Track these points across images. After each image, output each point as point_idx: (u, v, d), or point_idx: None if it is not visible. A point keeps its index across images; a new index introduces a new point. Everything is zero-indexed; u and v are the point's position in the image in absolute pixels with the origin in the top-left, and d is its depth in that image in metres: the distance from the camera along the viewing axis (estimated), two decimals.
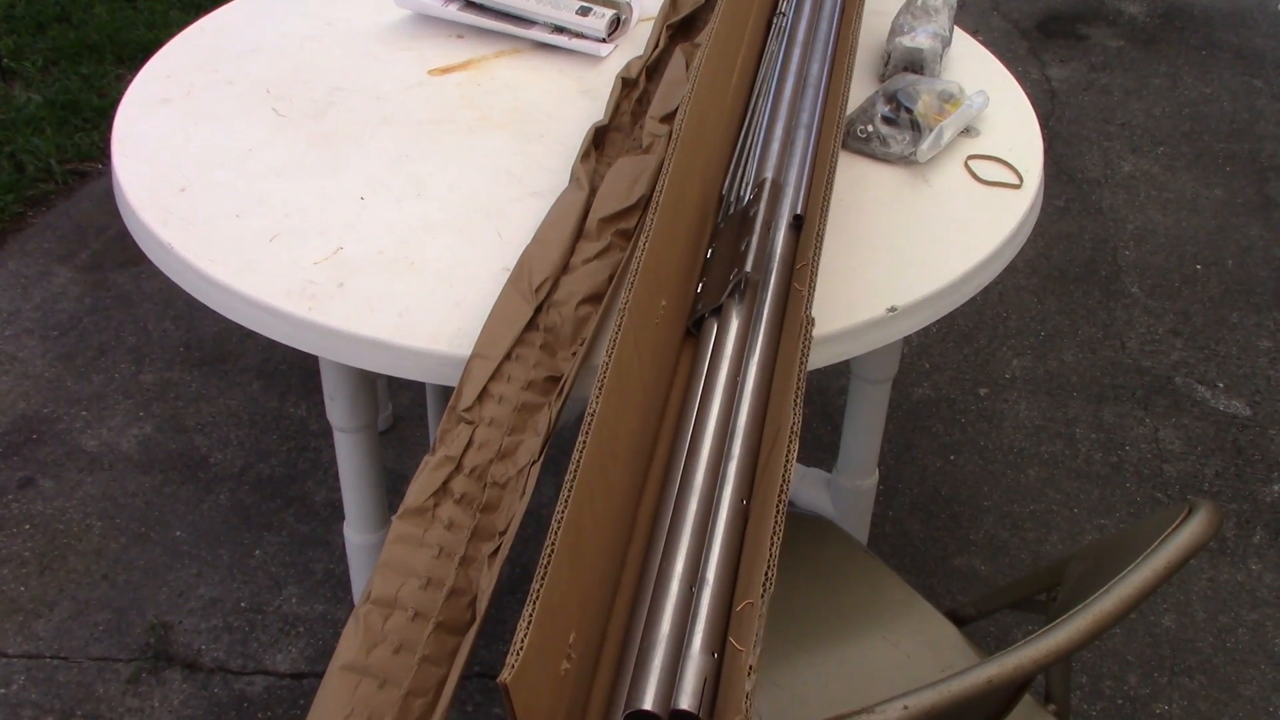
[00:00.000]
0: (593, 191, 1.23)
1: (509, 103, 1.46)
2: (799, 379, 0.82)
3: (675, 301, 1.00)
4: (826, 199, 1.09)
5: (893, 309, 1.17)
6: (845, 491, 1.55)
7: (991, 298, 2.42)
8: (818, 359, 1.15)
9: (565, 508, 0.70)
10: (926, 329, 2.33)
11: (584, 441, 0.76)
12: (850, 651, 1.23)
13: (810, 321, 0.90)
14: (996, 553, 1.89)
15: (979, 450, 2.07)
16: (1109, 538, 1.07)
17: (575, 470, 0.73)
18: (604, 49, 1.55)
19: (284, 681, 1.69)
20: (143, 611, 1.77)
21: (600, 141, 1.33)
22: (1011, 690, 0.95)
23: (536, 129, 1.41)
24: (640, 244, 0.94)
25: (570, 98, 1.47)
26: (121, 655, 1.71)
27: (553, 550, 0.67)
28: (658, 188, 1.01)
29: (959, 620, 1.26)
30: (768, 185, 1.18)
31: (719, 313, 1.09)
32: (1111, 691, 1.69)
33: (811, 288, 0.94)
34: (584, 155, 1.28)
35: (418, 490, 0.93)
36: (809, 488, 1.63)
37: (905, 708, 0.77)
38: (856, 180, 1.34)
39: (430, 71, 1.52)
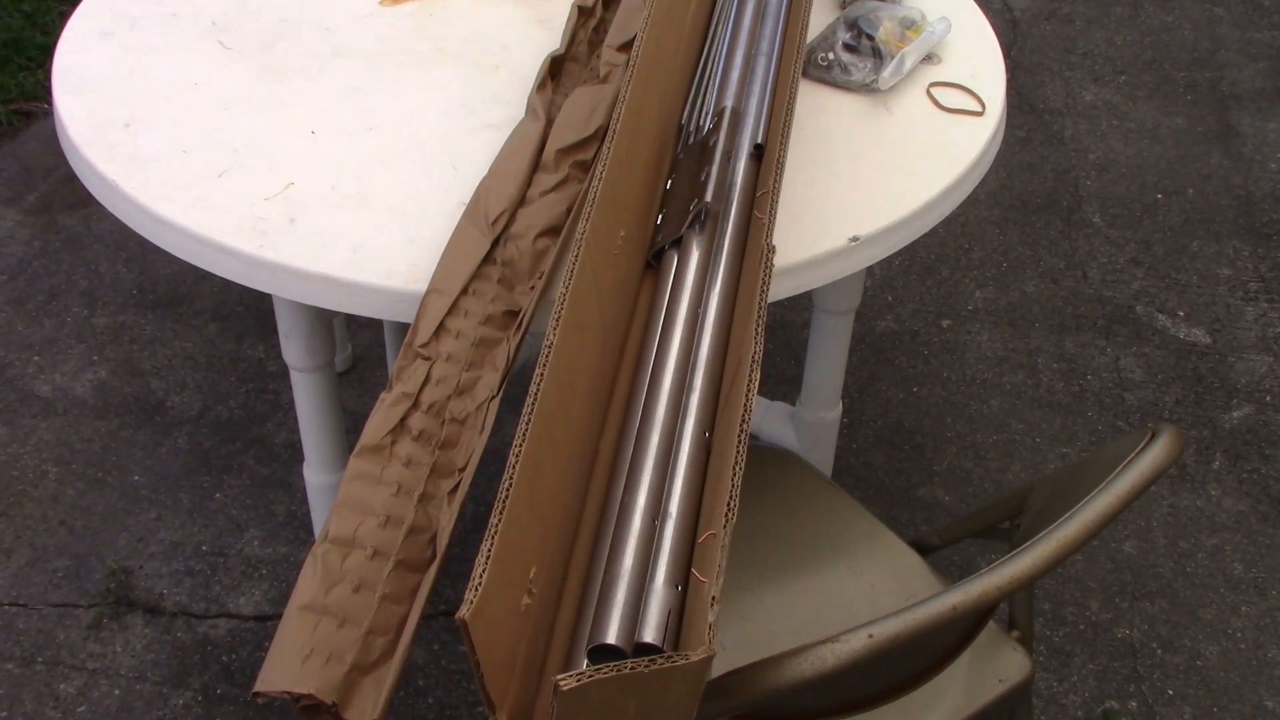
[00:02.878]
0: (549, 123, 1.20)
1: (463, 33, 1.42)
2: (760, 308, 0.80)
3: (634, 233, 0.99)
4: (787, 126, 1.08)
5: (855, 239, 1.16)
6: (808, 424, 1.55)
7: (954, 229, 2.41)
8: (779, 290, 1.14)
9: (523, 441, 0.69)
10: (889, 261, 2.32)
11: (541, 374, 0.74)
12: (814, 582, 1.23)
13: (771, 250, 0.89)
14: (960, 483, 1.89)
15: (942, 382, 2.07)
16: (1072, 465, 1.07)
17: (533, 403, 0.72)
18: None
19: (248, 624, 1.68)
20: (102, 557, 1.75)
21: (557, 72, 1.30)
22: (976, 618, 0.95)
23: (491, 60, 1.38)
24: (597, 173, 0.92)
25: (526, 27, 1.44)
26: (82, 601, 1.69)
27: (510, 484, 0.66)
28: (614, 117, 0.99)
29: (923, 550, 1.26)
30: (727, 114, 1.16)
31: (679, 244, 1.07)
32: (1074, 617, 1.71)
33: (772, 216, 0.93)
34: (540, 86, 1.26)
35: (374, 428, 0.92)
36: (773, 421, 1.62)
37: (870, 636, 0.76)
38: (818, 109, 1.32)
39: (382, 2, 1.48)
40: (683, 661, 0.56)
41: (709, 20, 1.37)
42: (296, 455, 1.91)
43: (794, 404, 1.68)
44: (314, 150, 1.23)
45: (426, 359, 0.97)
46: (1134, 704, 1.60)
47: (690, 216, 1.06)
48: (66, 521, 1.80)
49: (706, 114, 1.21)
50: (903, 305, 2.23)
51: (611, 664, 0.55)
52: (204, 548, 1.77)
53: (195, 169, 1.20)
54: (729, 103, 1.19)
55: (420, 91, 1.32)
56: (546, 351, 0.76)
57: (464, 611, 0.57)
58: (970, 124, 1.33)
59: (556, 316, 0.79)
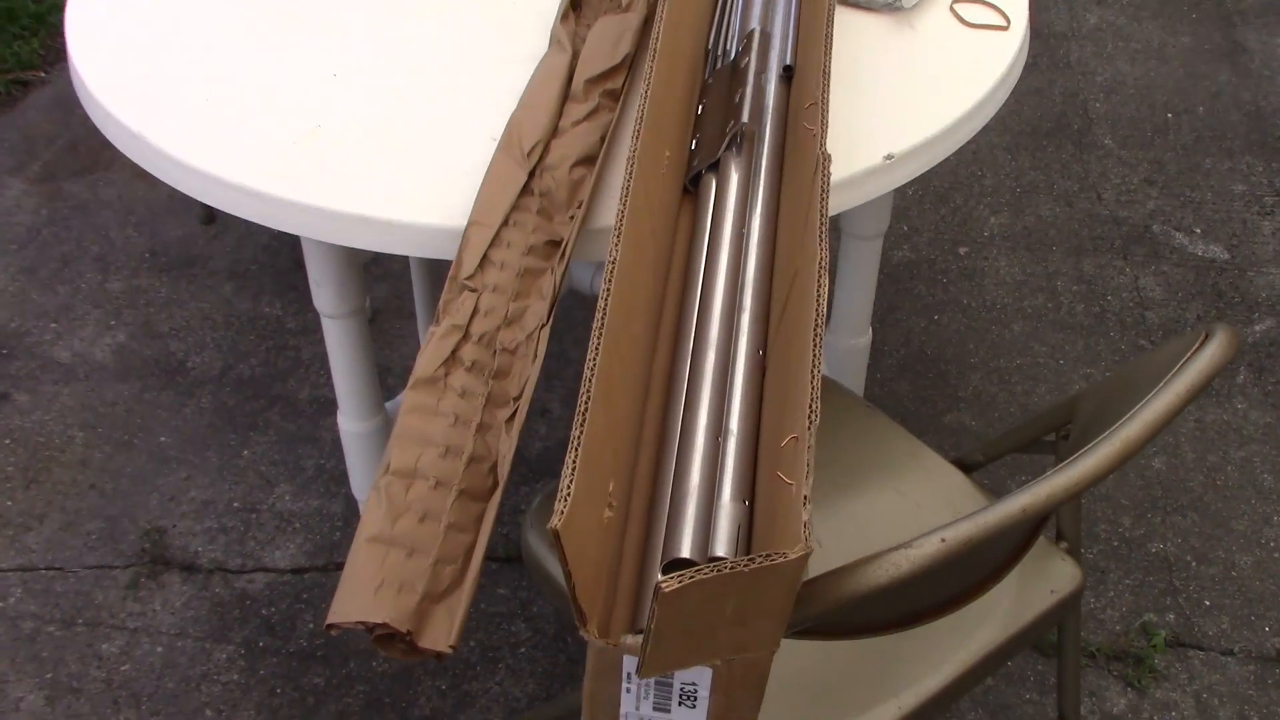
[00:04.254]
0: (575, 54, 1.19)
1: None
2: (823, 216, 0.80)
3: (676, 152, 0.98)
4: (829, 40, 1.06)
5: (889, 156, 1.15)
6: (839, 351, 1.54)
7: (965, 157, 2.40)
8: None
9: (597, 355, 0.68)
10: (902, 191, 2.31)
11: (608, 290, 0.73)
12: (859, 505, 1.23)
13: (827, 158, 0.88)
14: (985, 407, 1.89)
15: (962, 309, 2.07)
16: (1120, 373, 1.07)
17: (602, 319, 0.71)
18: None
19: (285, 577, 1.68)
20: (134, 518, 1.75)
21: (578, 3, 1.29)
22: (1039, 521, 0.95)
23: None
24: (641, 92, 0.91)
25: None
26: (118, 562, 1.69)
27: (588, 398, 0.65)
28: (654, 36, 0.98)
29: (965, 468, 1.26)
30: (756, 36, 1.15)
31: (716, 168, 1.06)
32: (1107, 534, 1.71)
33: (824, 126, 0.92)
34: (563, 17, 1.24)
35: (427, 360, 0.91)
36: None
37: (943, 540, 0.76)
38: (843, 31, 1.31)
39: None
40: (781, 560, 0.56)
41: None
42: (321, 409, 1.91)
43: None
44: (337, 93, 1.22)
45: (473, 290, 0.97)
46: (1172, 616, 1.61)
47: (727, 138, 1.05)
48: (97, 485, 1.80)
49: (733, 38, 1.20)
50: (919, 234, 2.23)
51: (711, 564, 0.55)
52: (235, 504, 1.77)
53: (220, 117, 1.19)
54: (755, 25, 1.17)
55: (439, 30, 1.31)
56: (610, 269, 0.75)
57: (555, 522, 0.57)
58: (996, 39, 1.31)
59: (617, 234, 0.78)
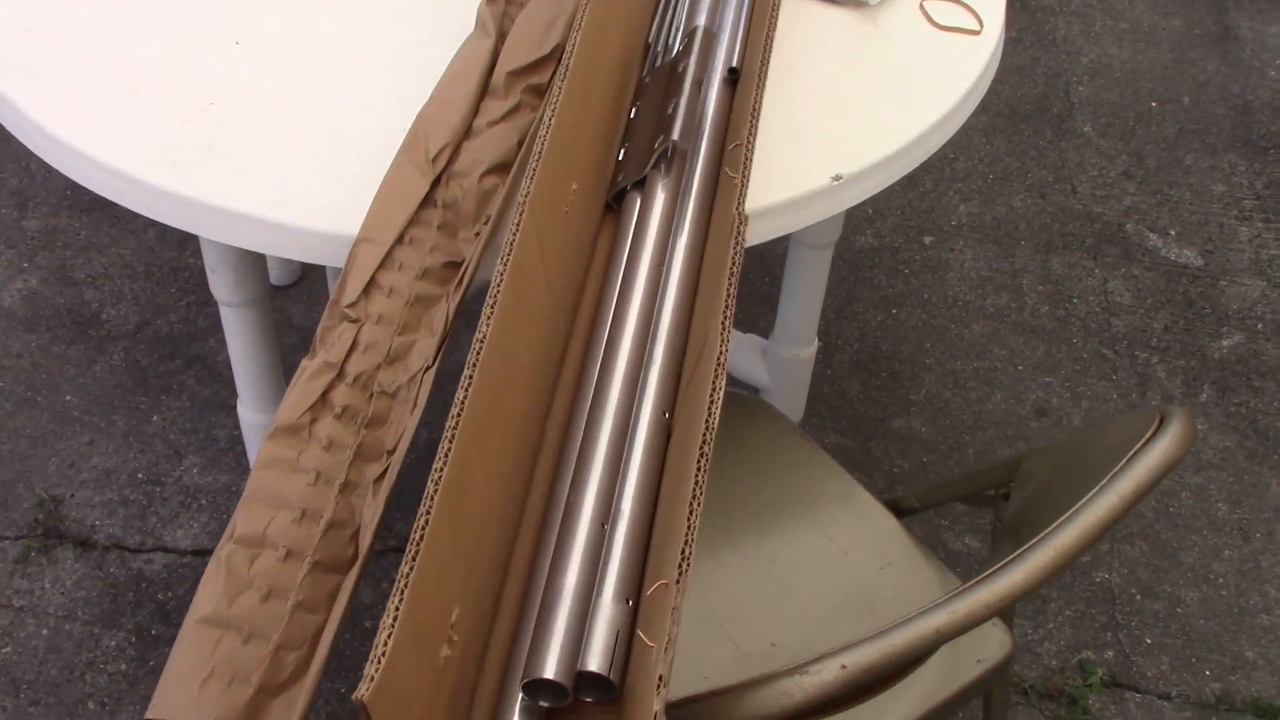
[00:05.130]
0: (501, 39, 1.08)
1: None
2: (729, 292, 0.70)
3: (590, 179, 0.87)
4: (766, 57, 0.96)
5: (837, 178, 1.05)
6: (782, 361, 1.45)
7: None
8: (754, 234, 1.03)
9: (444, 464, 0.58)
10: None
11: (470, 377, 0.64)
12: (783, 546, 1.14)
13: (743, 221, 0.78)
14: (938, 413, 1.81)
15: (922, 303, 1.97)
16: (1070, 440, 0.98)
17: (458, 415, 0.61)
18: None
19: (185, 559, 1.59)
20: (30, 484, 1.65)
21: None
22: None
23: None
24: (546, 119, 0.80)
25: None
26: (9, 533, 1.60)
27: (428, 521, 0.56)
28: (569, 44, 0.87)
29: (900, 511, 1.18)
30: (699, 34, 1.03)
31: (643, 185, 0.96)
32: None
33: (745, 174, 0.82)
34: None
35: (292, 404, 0.81)
36: (744, 355, 1.53)
37: (843, 667, 0.68)
38: (800, 24, 1.20)
39: None
40: None
41: None
42: None
43: (767, 336, 1.58)
44: (237, 65, 1.10)
45: (354, 321, 0.86)
46: (1110, 653, 1.54)
47: (655, 155, 0.94)
48: None
49: (677, 31, 1.08)
50: (883, 219, 2.12)
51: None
52: (139, 475, 1.67)
53: (103, 84, 1.07)
54: (701, 21, 1.06)
55: None
56: (478, 348, 0.66)
57: (363, 692, 0.48)
58: (966, 44, 1.20)
59: (491, 303, 0.68)
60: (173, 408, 1.76)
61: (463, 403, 0.62)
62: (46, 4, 1.14)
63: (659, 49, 1.08)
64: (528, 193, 0.74)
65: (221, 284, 1.22)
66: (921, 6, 1.23)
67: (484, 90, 1.04)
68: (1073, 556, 0.76)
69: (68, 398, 1.76)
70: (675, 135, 0.94)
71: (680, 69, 1.01)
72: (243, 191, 0.99)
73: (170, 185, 0.99)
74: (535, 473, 0.75)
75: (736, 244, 0.74)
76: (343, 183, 1.00)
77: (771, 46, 0.98)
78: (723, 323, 0.68)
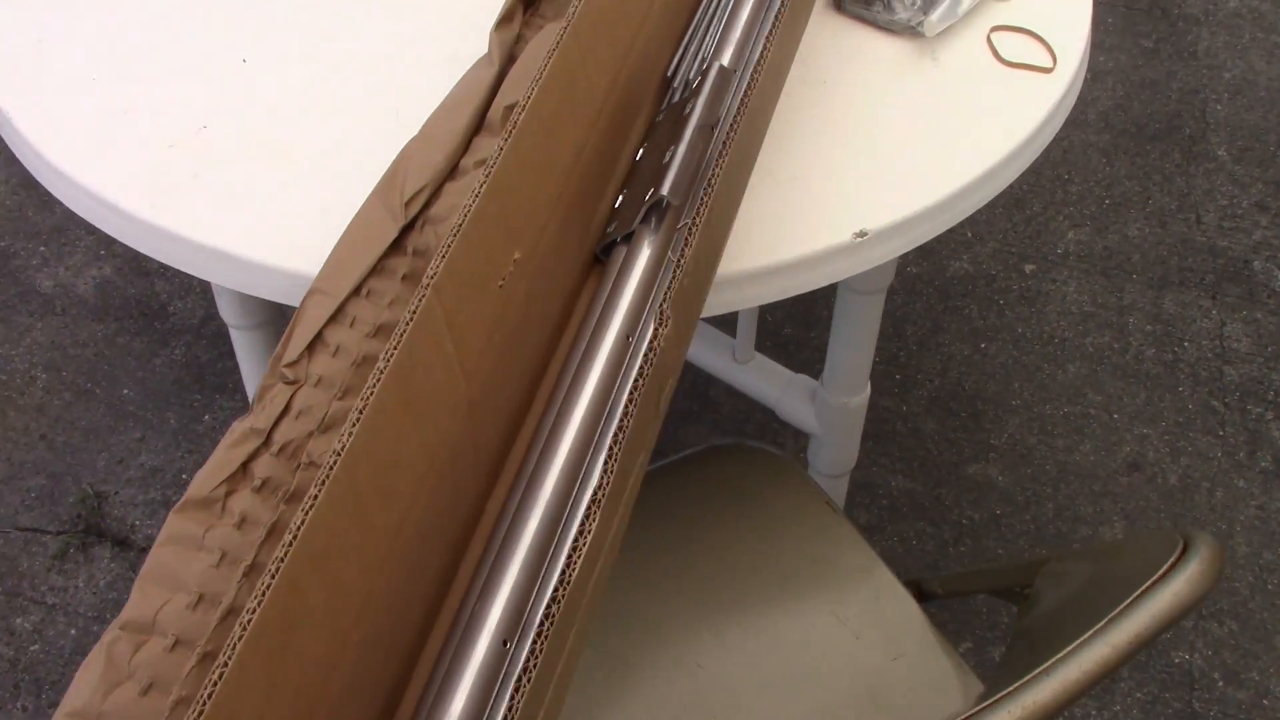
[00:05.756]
0: (507, 68, 1.00)
1: None
2: (623, 424, 0.61)
3: (549, 241, 0.79)
4: (745, 102, 0.87)
5: (862, 234, 0.95)
6: (831, 408, 1.35)
7: (1054, 155, 2.14)
8: (752, 296, 0.94)
9: (264, 598, 0.51)
10: None
11: (315, 497, 0.57)
12: (790, 625, 1.05)
13: (663, 321, 0.69)
14: (1019, 461, 1.68)
15: (1015, 338, 1.84)
16: (1090, 550, 0.87)
17: (291, 542, 0.54)
18: None
19: None
20: (78, 478, 1.65)
21: (533, 1, 1.09)
22: None
23: None
24: (478, 185, 0.72)
25: None
26: (51, 527, 1.60)
27: (223, 673, 0.49)
28: (525, 95, 0.78)
29: (922, 594, 1.07)
30: (714, 73, 0.94)
31: (631, 240, 0.87)
32: None
33: (679, 266, 0.73)
34: (505, 18, 1.04)
35: (206, 474, 0.75)
36: (792, 398, 1.43)
37: None
38: (850, 54, 1.09)
39: None
40: None
41: None
42: None
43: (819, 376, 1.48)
44: (241, 83, 1.05)
45: (291, 383, 0.80)
46: None
47: (643, 210, 0.86)
48: (48, 436, 1.70)
49: (702, 63, 1.00)
50: (982, 244, 1.99)
51: None
52: (184, 476, 1.66)
53: (101, 102, 1.03)
54: (727, 55, 0.97)
55: (382, 12, 1.13)
56: (332, 463, 0.58)
57: None
58: (1035, 84, 1.08)
59: (359, 411, 0.61)
60: (226, 407, 1.74)
61: (299, 528, 0.55)
62: (59, 15, 1.11)
63: (677, 85, 1.00)
64: (434, 275, 0.66)
65: (228, 306, 1.17)
66: (988, 38, 1.12)
67: (478, 125, 0.96)
68: (1078, 691, 0.66)
69: (125, 391, 1.76)
70: (666, 189, 0.85)
71: (687, 111, 0.92)
72: (221, 224, 0.94)
73: (146, 214, 0.95)
74: (451, 583, 0.68)
75: (649, 356, 0.65)
76: (331, 219, 0.94)
77: (752, 91, 0.89)
78: (608, 461, 0.59)
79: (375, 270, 0.87)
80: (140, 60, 1.07)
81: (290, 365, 0.82)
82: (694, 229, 0.77)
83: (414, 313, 0.64)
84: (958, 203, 0.99)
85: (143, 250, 0.97)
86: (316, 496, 0.56)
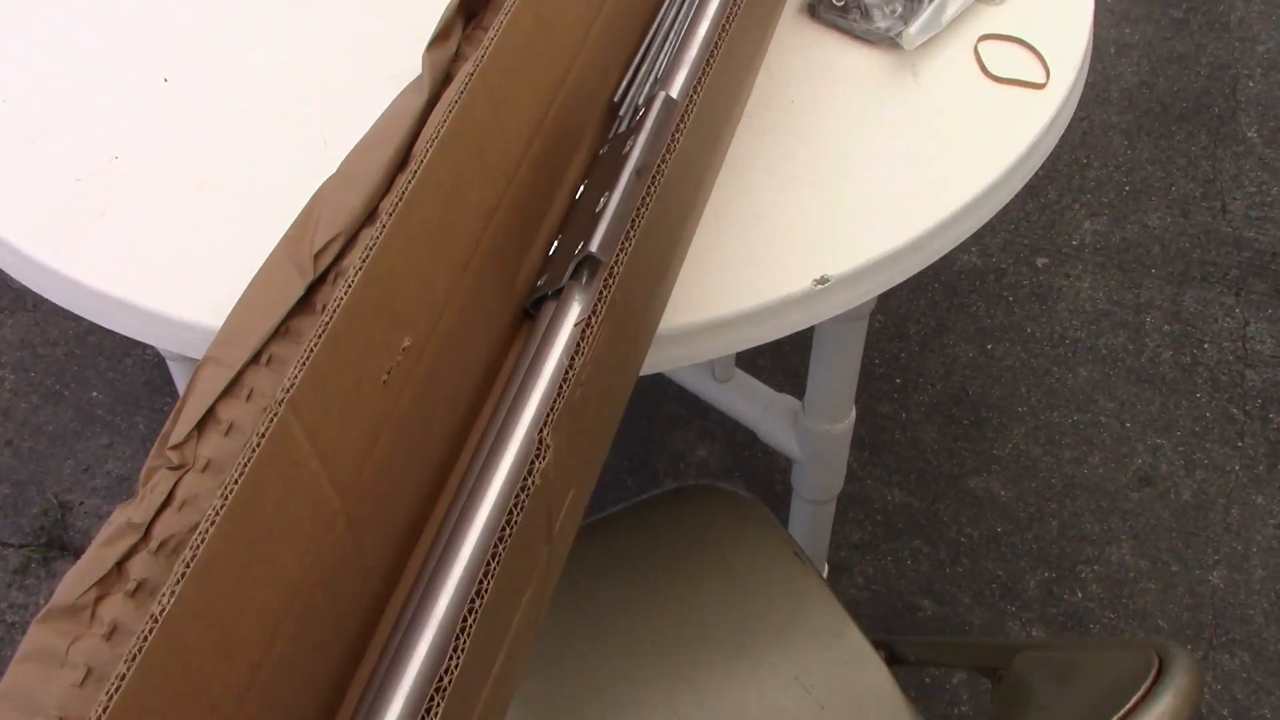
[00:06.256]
0: (435, 97, 0.92)
1: None
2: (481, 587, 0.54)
3: (460, 310, 0.71)
4: (671, 146, 0.78)
5: (823, 280, 0.86)
6: (813, 435, 1.27)
7: (1073, 138, 2.02)
8: (699, 351, 0.86)
9: None
10: None
11: (136, 656, 0.50)
12: (750, 692, 0.98)
13: (544, 448, 0.61)
14: (1023, 474, 1.59)
15: (1024, 339, 1.74)
16: (1061, 648, 0.79)
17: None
18: None
19: None
20: (42, 487, 1.60)
21: (476, 10, 1.00)
22: None
23: None
24: (356, 264, 0.64)
25: None
26: (13, 539, 1.55)
27: None
28: (420, 151, 0.70)
29: (894, 658, 1.00)
30: (658, 106, 0.85)
31: (560, 296, 0.79)
32: None
33: (571, 377, 0.64)
34: (440, 35, 0.95)
35: (77, 577, 0.68)
36: (773, 420, 1.35)
37: None
38: (822, 69, 1.00)
39: None
40: None
41: None
42: None
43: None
44: (159, 106, 0.97)
45: (176, 467, 0.73)
46: None
47: (572, 265, 0.78)
48: (14, 441, 1.65)
49: (655, 85, 0.91)
50: (993, 235, 1.89)
51: None
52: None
53: (7, 128, 0.96)
54: (681, 77, 0.88)
55: (319, 21, 1.04)
56: (148, 634, 0.51)
57: None
58: (1024, 102, 0.99)
59: (191, 553, 0.54)
60: None
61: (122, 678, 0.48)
62: None
63: (624, 112, 0.91)
64: (290, 389, 0.58)
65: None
66: (976, 48, 1.02)
67: (403, 161, 0.88)
68: None
69: (94, 394, 1.70)
70: (595, 245, 0.77)
71: (624, 151, 0.83)
72: (126, 271, 0.87)
73: (46, 257, 0.87)
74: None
75: (529, 484, 0.57)
76: (244, 266, 0.86)
77: (683, 128, 0.80)
78: (480, 574, 0.52)
79: (278, 333, 0.80)
80: (56, 77, 0.99)
81: (176, 447, 0.74)
82: (598, 314, 0.69)
83: (262, 436, 0.57)
84: (931, 241, 0.91)
85: (43, 294, 0.90)
86: (137, 659, 0.49)
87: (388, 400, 0.64)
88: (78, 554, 1.50)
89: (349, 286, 0.62)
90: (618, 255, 0.78)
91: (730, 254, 0.87)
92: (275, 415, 0.57)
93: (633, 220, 0.79)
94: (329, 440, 0.60)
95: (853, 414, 1.27)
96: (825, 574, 1.47)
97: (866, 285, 0.89)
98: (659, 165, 0.82)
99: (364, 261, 0.63)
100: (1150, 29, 2.20)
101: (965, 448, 1.62)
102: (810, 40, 1.02)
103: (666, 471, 1.58)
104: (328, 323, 0.60)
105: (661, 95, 0.86)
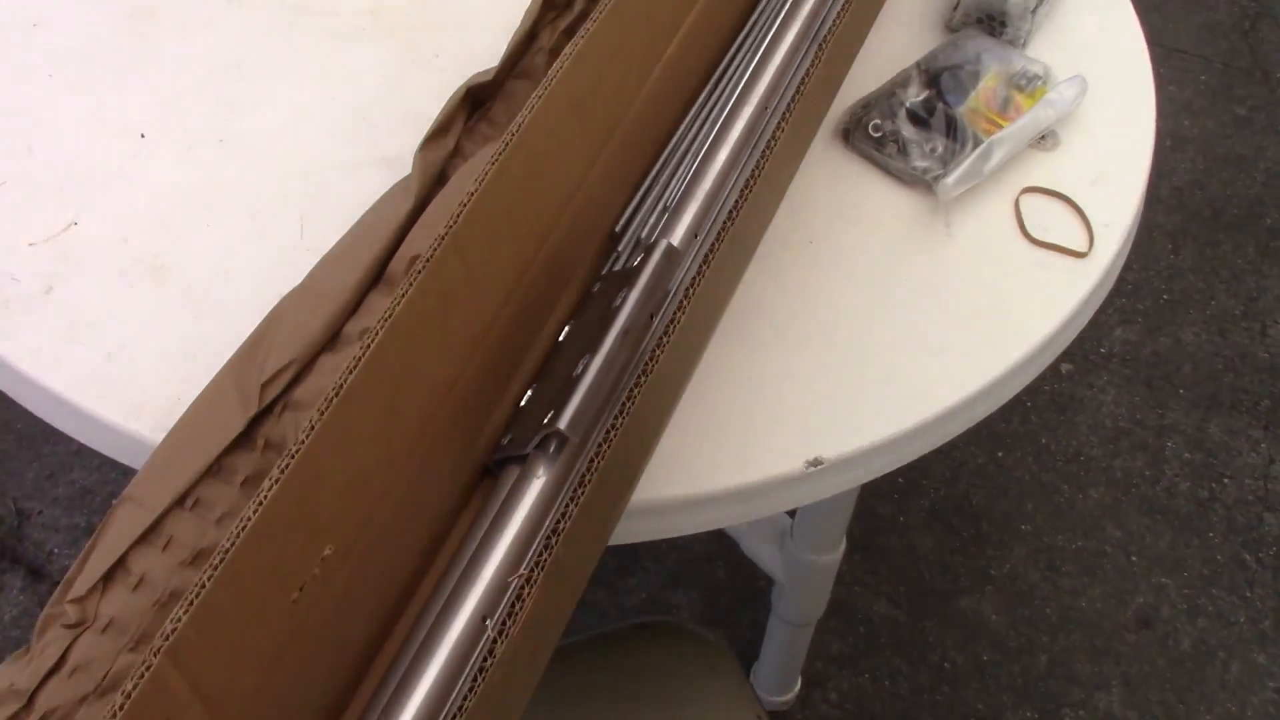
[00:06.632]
0: (422, 203, 0.84)
1: None
2: None
3: (400, 497, 0.64)
4: (676, 324, 0.71)
5: (816, 463, 0.79)
6: (798, 562, 1.19)
7: None
8: (664, 528, 0.79)
9: None
10: None
11: None
12: None
13: (491, 641, 0.54)
14: (1018, 599, 1.52)
15: (1037, 450, 1.67)
16: None
17: None
18: None
19: None
20: (3, 491, 1.54)
21: (483, 102, 0.93)
22: None
23: (434, 42, 1.01)
24: (276, 470, 0.57)
25: None
26: None
27: None
28: (377, 324, 0.62)
29: None
30: (658, 253, 0.78)
31: (524, 462, 0.72)
32: None
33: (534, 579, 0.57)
34: (437, 130, 0.88)
35: None
36: (758, 536, 1.27)
37: None
38: (847, 205, 0.92)
39: None
40: None
41: (729, 44, 0.96)
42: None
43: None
44: (130, 166, 0.90)
45: (73, 625, 0.66)
46: None
47: (538, 437, 0.71)
48: None
49: (649, 224, 0.83)
50: None
51: None
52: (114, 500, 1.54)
53: None
54: (677, 234, 0.80)
55: (316, 84, 0.97)
56: None
57: None
58: (1062, 270, 0.91)
59: None
60: None
61: None
62: None
63: (623, 247, 0.83)
64: (170, 634, 0.51)
65: None
66: (1017, 203, 0.94)
67: (377, 276, 0.81)
68: None
69: None
70: (565, 421, 0.69)
71: (614, 305, 0.76)
72: (66, 360, 0.80)
73: None
74: None
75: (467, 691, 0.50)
76: (189, 365, 0.80)
77: (705, 274, 0.73)
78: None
79: (209, 472, 0.73)
80: (23, 122, 0.92)
81: (77, 601, 0.68)
82: (582, 492, 0.62)
83: (128, 697, 0.49)
84: (941, 426, 0.83)
85: None
86: None
87: (296, 619, 0.57)
88: (30, 569, 1.44)
89: (260, 503, 0.55)
90: (591, 432, 0.71)
91: (718, 422, 0.79)
92: (149, 668, 0.50)
93: (613, 393, 0.72)
94: (216, 684, 0.53)
95: (843, 545, 1.20)
96: (798, 690, 1.41)
97: (864, 469, 0.81)
98: (652, 329, 0.75)
99: (282, 472, 0.56)
100: (1210, 124, 2.11)
101: (961, 562, 1.54)
102: (840, 169, 0.94)
103: (645, 552, 1.51)
104: (228, 549, 0.53)
105: (663, 244, 0.79)
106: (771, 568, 1.24)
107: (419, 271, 0.65)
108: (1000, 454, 1.65)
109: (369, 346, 0.59)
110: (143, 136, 0.92)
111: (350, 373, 0.58)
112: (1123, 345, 1.79)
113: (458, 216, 0.66)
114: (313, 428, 0.57)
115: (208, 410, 0.74)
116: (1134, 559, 1.56)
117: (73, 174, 0.89)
